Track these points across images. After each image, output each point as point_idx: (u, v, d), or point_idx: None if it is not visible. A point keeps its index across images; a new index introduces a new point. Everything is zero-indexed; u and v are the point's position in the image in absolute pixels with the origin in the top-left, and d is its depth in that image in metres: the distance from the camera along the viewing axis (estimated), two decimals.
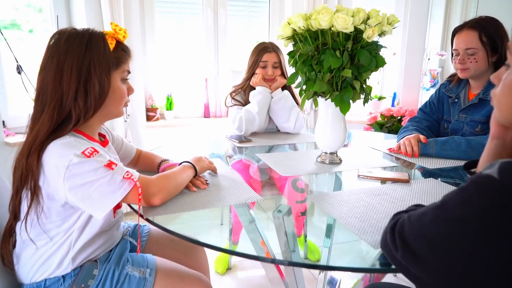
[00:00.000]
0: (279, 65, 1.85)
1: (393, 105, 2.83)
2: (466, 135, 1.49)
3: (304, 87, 1.25)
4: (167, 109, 2.78)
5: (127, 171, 0.85)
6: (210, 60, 2.88)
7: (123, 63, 0.92)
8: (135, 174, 0.87)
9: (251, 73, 1.86)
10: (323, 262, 1.14)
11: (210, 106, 2.93)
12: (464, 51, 1.44)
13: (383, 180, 1.12)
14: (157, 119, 2.76)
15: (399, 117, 2.52)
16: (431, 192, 1.03)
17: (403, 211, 0.67)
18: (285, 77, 1.89)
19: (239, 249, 1.43)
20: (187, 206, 0.91)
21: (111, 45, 0.89)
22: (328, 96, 1.17)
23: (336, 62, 1.09)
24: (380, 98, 2.84)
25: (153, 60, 2.75)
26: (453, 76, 1.66)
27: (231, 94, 1.90)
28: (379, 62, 1.13)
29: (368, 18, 1.10)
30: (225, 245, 1.92)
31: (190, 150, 1.71)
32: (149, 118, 2.74)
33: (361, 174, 1.16)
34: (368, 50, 1.12)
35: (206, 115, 2.91)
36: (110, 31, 0.91)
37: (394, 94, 2.83)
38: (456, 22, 3.06)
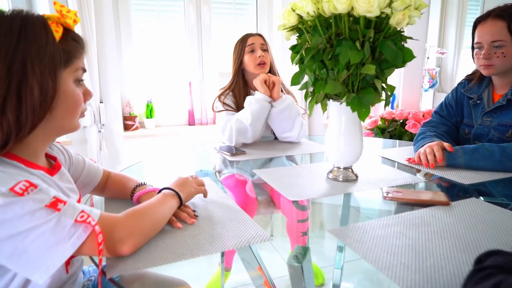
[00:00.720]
0: (267, 49, 1.65)
1: (392, 107, 2.64)
2: (493, 141, 1.29)
3: (312, 88, 1.02)
4: (147, 117, 2.51)
5: (82, 211, 0.60)
6: (194, 62, 2.63)
7: (75, 58, 0.67)
8: (94, 213, 0.62)
9: (238, 65, 1.64)
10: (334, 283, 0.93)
11: (195, 112, 2.67)
12: (490, 44, 1.24)
13: (417, 202, 0.90)
14: (136, 128, 2.49)
15: (401, 121, 2.33)
16: (479, 217, 0.81)
17: (496, 266, 0.45)
18: (274, 74, 1.67)
19: (232, 276, 1.14)
20: (170, 254, 0.66)
21: (57, 33, 0.64)
22: (343, 99, 0.95)
23: (356, 56, 0.86)
24: None
25: (130, 63, 2.48)
26: (472, 74, 1.46)
27: (219, 97, 1.66)
28: (406, 56, 0.91)
29: (391, 1, 0.88)
30: (216, 272, 1.70)
31: (174, 166, 1.46)
32: (127, 128, 2.46)
33: (387, 195, 0.93)
34: (393, 41, 0.90)
35: (191, 122, 2.65)
36: (54, 14, 0.65)
37: (393, 95, 2.64)
38: (453, 18, 2.90)
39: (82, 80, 0.71)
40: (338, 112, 1.03)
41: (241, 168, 1.31)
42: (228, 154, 1.42)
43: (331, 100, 1.02)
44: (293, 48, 1.03)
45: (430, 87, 2.86)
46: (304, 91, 1.05)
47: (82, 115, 0.73)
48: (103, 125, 2.26)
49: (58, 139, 0.85)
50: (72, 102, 0.68)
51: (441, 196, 0.91)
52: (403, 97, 2.55)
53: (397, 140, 1.86)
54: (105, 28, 2.21)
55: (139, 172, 1.35)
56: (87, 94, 0.73)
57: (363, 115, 0.95)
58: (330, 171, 1.11)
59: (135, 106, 2.51)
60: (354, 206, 0.99)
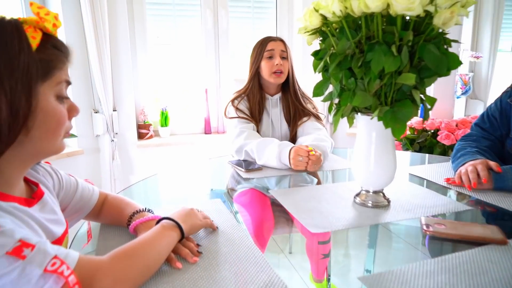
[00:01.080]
0: (287, 56, 1.51)
1: (421, 115, 2.45)
2: None
3: (337, 100, 0.88)
4: (161, 125, 2.42)
5: (54, 257, 0.49)
6: (210, 68, 2.54)
7: (56, 69, 0.57)
8: (70, 258, 0.51)
9: (255, 69, 1.52)
10: None
11: (211, 120, 2.57)
12: None
13: (466, 239, 0.74)
14: (151, 136, 2.40)
15: (432, 131, 2.14)
16: None
17: None
18: (293, 84, 1.54)
19: None
20: None
21: (34, 40, 0.54)
22: (374, 113, 0.80)
23: (392, 64, 0.72)
24: None
25: (144, 70, 2.41)
26: None
27: (232, 101, 1.54)
28: (451, 63, 0.76)
29: None
30: None
31: (188, 181, 1.35)
32: (141, 136, 2.38)
33: (428, 228, 0.78)
34: (435, 45, 0.75)
35: (207, 131, 2.55)
36: (31, 17, 0.55)
37: None
38: (488, 19, 2.69)
39: (66, 98, 0.60)
40: (367, 127, 0.89)
41: (257, 183, 1.19)
42: (242, 169, 1.29)
43: (359, 113, 0.88)
44: (315, 54, 0.90)
45: (462, 93, 2.66)
46: (328, 102, 0.91)
47: (67, 134, 0.62)
48: (116, 134, 2.19)
49: (65, 151, 0.75)
50: (54, 121, 0.57)
51: (495, 232, 0.75)
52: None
53: (427, 154, 1.68)
54: (119, 33, 2.14)
55: (151, 186, 1.25)
56: (72, 111, 0.62)
57: (398, 132, 0.81)
58: (358, 195, 0.97)
59: (150, 114, 2.43)
60: (384, 223, 0.84)
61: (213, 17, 2.47)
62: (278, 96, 1.58)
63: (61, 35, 1.97)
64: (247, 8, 2.55)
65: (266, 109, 1.57)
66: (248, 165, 1.33)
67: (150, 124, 2.39)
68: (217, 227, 0.81)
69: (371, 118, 0.83)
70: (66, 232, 0.69)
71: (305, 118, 1.53)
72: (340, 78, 0.83)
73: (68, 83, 0.60)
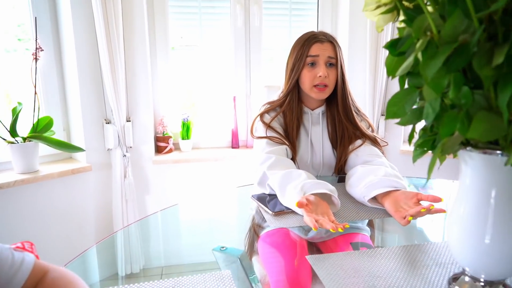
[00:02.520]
0: (337, 63, 1.13)
1: None
2: None
3: (430, 123, 0.51)
4: (183, 138, 2.12)
5: None
6: (240, 73, 2.21)
7: None
8: None
9: (294, 79, 1.16)
10: None
11: (240, 133, 2.24)
12: None
13: None
14: (170, 150, 2.11)
15: None
16: None
17: None
18: (343, 97, 1.17)
19: None
20: None
21: None
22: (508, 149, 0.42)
23: None
24: None
25: (165, 74, 2.13)
26: None
27: (261, 116, 1.20)
28: None
29: None
30: None
31: (207, 217, 1.02)
32: (159, 150, 2.09)
33: None
34: None
35: (234, 145, 2.22)
36: None
37: None
38: None
39: None
40: (484, 176, 0.50)
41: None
42: (270, 211, 0.94)
43: (470, 149, 0.50)
44: (392, 45, 0.53)
45: None
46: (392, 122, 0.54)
47: None
48: (130, 147, 1.91)
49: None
50: None
51: None
52: None
53: None
54: (135, 32, 1.87)
55: (166, 219, 0.95)
56: None
57: None
58: (456, 279, 0.58)
59: (170, 125, 2.14)
60: None
61: (244, 14, 2.14)
62: (321, 110, 1.21)
63: (69, 32, 1.73)
64: (283, 4, 2.20)
65: (305, 126, 1.21)
66: (278, 203, 0.97)
67: (170, 137, 2.10)
68: None
69: (505, 164, 0.44)
70: None
71: (358, 142, 1.15)
72: (444, 87, 0.45)
73: None
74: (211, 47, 2.18)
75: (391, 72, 0.55)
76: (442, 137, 0.48)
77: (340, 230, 0.76)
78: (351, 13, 2.08)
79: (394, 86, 2.18)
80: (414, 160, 0.58)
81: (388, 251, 0.71)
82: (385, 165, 1.07)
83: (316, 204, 0.87)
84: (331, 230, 0.75)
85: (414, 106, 0.54)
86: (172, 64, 2.14)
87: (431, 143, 0.55)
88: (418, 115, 0.54)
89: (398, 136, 2.21)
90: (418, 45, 0.46)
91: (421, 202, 0.83)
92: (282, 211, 0.93)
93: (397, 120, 0.56)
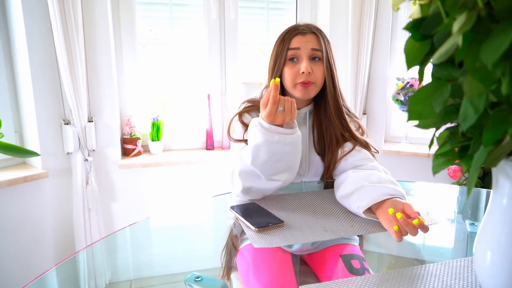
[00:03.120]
0: (323, 56, 1.01)
1: None
2: None
3: (466, 127, 0.39)
4: (152, 139, 1.95)
5: None
6: (215, 69, 2.06)
7: None
8: None
9: (275, 76, 1.03)
10: None
11: (215, 133, 2.09)
12: None
13: None
14: (139, 153, 1.94)
15: None
16: None
17: None
18: (334, 96, 1.05)
19: None
20: None
21: None
22: None
23: None
24: None
25: (132, 71, 1.95)
26: None
27: (240, 115, 1.06)
28: None
29: None
30: None
31: (178, 236, 0.88)
32: (126, 153, 1.91)
33: None
34: None
35: (209, 146, 2.07)
36: None
37: None
38: None
39: None
40: None
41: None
42: (252, 226, 0.80)
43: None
44: (415, 26, 0.41)
45: None
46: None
47: None
48: (92, 150, 1.72)
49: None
50: None
51: None
52: None
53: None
54: (97, 24, 1.68)
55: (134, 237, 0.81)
56: None
57: None
58: None
59: (138, 125, 1.96)
60: None
61: (218, 6, 1.99)
62: (307, 109, 1.09)
63: (19, 22, 1.52)
64: None
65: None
66: (261, 216, 0.84)
67: (138, 138, 1.92)
68: None
69: None
70: None
71: (348, 146, 1.04)
72: (496, 79, 0.34)
73: None
74: (183, 42, 2.02)
75: (412, 62, 0.43)
76: (486, 144, 0.37)
77: None
78: (332, 5, 1.98)
79: (377, 83, 2.10)
80: (435, 171, 0.46)
81: (394, 275, 0.60)
82: (378, 169, 0.97)
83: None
84: None
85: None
86: (141, 60, 1.97)
87: (461, 151, 0.44)
88: (445, 116, 0.43)
89: (380, 135, 2.14)
90: (460, 23, 0.34)
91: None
92: (267, 227, 0.80)
93: (417, 122, 0.44)
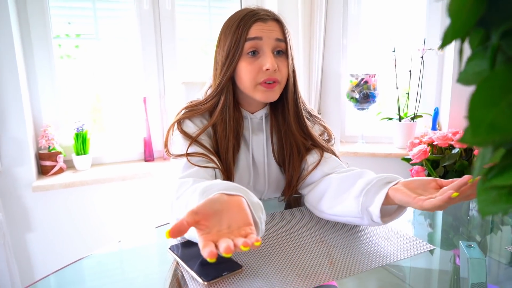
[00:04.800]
0: (288, 49, 0.82)
1: (434, 127, 1.88)
2: None
3: None
4: (77, 153, 1.64)
5: None
6: (151, 68, 1.79)
7: None
8: None
9: (228, 74, 0.82)
10: None
11: (154, 142, 1.82)
12: None
13: None
14: (61, 170, 1.61)
15: (459, 149, 1.56)
16: None
17: None
18: (293, 97, 0.88)
19: None
20: None
21: None
22: None
23: None
24: (414, 118, 1.88)
25: (46, 71, 1.61)
26: None
27: (178, 123, 0.83)
28: None
29: None
30: None
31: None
32: (45, 171, 1.58)
33: None
34: None
35: (148, 157, 1.79)
36: None
37: (436, 110, 1.88)
38: None
39: None
40: None
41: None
42: (200, 279, 0.58)
43: None
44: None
45: None
46: None
47: None
48: None
49: None
50: None
51: None
52: (451, 112, 1.80)
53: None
54: None
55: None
56: None
57: None
58: None
59: (59, 137, 1.63)
60: None
61: None
62: (263, 113, 0.89)
63: None
64: None
65: (244, 136, 0.88)
66: (211, 266, 0.62)
67: (59, 152, 1.59)
68: None
69: None
70: None
71: (314, 157, 0.87)
72: None
73: None
74: (110, 37, 1.72)
75: (460, 29, 0.24)
76: None
77: (256, 244, 0.45)
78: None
79: (330, 80, 1.97)
80: (486, 213, 0.28)
81: None
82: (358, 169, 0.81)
83: (220, 212, 0.51)
84: (241, 247, 0.44)
85: None
86: (60, 59, 1.64)
87: None
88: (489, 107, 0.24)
89: (336, 136, 2.01)
90: None
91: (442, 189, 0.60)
92: (220, 277, 0.58)
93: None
